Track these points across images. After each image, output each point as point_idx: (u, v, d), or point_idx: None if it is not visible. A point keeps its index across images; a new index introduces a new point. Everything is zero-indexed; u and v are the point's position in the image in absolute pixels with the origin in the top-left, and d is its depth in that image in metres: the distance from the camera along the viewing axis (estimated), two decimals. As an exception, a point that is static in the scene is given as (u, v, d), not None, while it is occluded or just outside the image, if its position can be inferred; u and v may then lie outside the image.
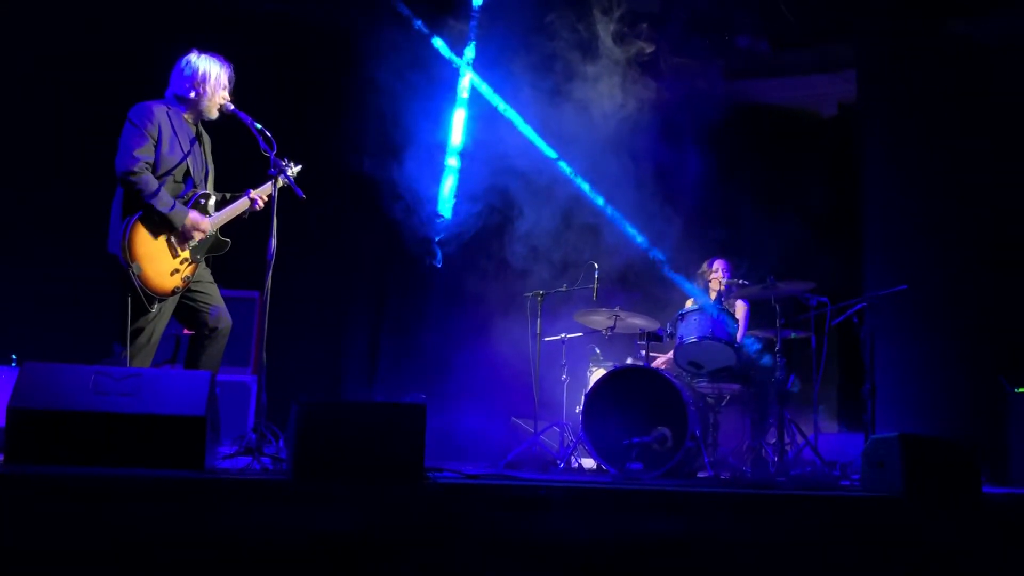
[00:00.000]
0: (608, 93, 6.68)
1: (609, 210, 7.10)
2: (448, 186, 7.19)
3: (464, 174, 6.95)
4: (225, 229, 4.19)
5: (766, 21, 7.30)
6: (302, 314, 6.98)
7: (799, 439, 5.29)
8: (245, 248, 4.37)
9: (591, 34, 6.71)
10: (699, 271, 6.29)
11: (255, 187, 4.22)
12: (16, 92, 6.36)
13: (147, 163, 3.88)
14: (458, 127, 7.27)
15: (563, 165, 7.16)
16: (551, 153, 7.10)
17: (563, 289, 6.08)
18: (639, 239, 7.08)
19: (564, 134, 6.78)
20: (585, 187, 7.13)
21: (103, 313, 4.38)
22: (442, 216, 7.04)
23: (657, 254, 5.98)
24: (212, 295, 4.14)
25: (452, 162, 7.21)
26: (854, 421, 6.44)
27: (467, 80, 7.26)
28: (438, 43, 7.15)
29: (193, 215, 3.97)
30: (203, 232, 4.01)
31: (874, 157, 6.80)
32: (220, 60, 4.14)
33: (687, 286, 6.18)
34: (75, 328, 5.85)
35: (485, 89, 7.24)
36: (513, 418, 6.28)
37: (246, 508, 2.69)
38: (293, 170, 4.32)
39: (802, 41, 7.55)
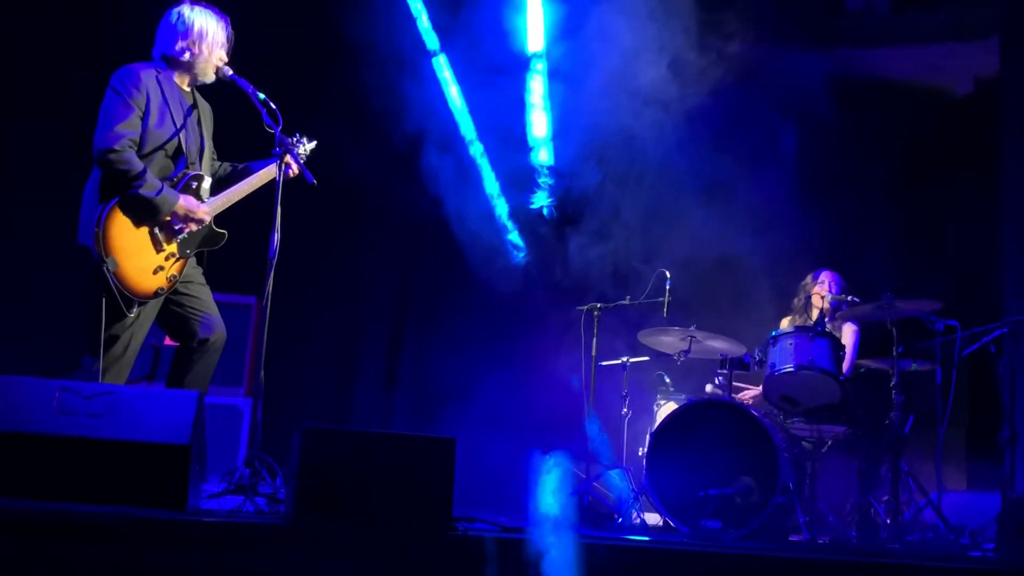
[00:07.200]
0: (679, 63, 6.63)
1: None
2: None
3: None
4: (220, 219, 4.25)
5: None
6: (307, 325, 7.05)
7: (918, 497, 5.23)
8: (241, 244, 4.42)
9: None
10: (801, 283, 6.23)
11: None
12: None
13: (131, 140, 3.93)
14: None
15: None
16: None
17: (626, 302, 6.06)
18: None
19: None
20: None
21: (71, 318, 4.47)
22: None
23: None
24: (204, 300, 4.20)
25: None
26: (988, 476, 6.31)
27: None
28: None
29: (186, 200, 4.02)
30: (199, 222, 4.07)
31: (1020, 146, 6.68)
32: (216, 14, 4.21)
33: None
34: (37, 335, 5.97)
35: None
36: (561, 460, 6.25)
37: (236, 556, 2.72)
38: (306, 147, 4.38)
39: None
